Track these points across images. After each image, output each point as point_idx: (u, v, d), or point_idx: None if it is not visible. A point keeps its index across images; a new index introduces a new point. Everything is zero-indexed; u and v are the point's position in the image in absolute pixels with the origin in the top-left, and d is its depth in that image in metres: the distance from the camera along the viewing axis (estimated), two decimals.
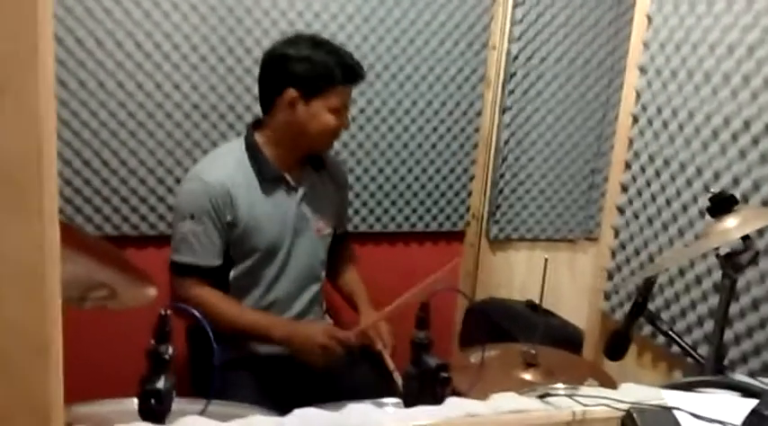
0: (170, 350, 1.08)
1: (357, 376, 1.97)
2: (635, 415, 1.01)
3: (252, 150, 1.91)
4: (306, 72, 1.84)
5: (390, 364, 1.84)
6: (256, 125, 1.96)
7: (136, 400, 1.08)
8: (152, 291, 1.25)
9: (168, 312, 1.09)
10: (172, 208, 2.35)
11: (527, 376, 1.71)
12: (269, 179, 1.91)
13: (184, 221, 1.86)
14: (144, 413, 1.06)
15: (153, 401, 1.05)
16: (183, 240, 1.87)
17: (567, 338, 2.40)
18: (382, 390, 1.86)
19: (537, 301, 2.11)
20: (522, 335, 2.27)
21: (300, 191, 1.97)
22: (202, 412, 1.08)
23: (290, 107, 1.86)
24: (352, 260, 2.24)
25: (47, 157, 0.65)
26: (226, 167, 1.89)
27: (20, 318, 0.66)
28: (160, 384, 1.06)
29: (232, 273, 1.93)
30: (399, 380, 1.79)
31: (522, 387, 1.16)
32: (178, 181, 2.34)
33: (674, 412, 1.02)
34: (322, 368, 1.82)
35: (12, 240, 0.64)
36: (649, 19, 1.99)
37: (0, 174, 0.63)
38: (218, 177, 1.86)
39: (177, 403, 1.11)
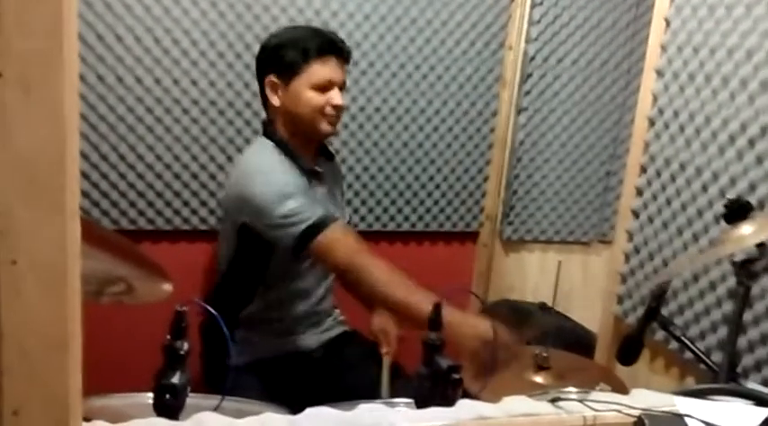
0: (186, 346, 1.09)
1: (368, 375, 1.98)
2: (646, 421, 1.01)
3: (283, 148, 1.88)
4: (280, 54, 1.83)
5: (385, 375, 1.84)
6: (269, 124, 1.95)
7: (150, 395, 1.09)
8: (168, 286, 1.26)
9: (184, 308, 1.10)
10: (187, 204, 2.37)
11: (538, 378, 1.71)
12: (305, 172, 1.90)
13: (286, 202, 1.74)
14: (159, 408, 1.07)
15: (168, 396, 1.06)
16: (299, 211, 1.73)
17: (579, 341, 2.40)
18: (392, 390, 1.88)
19: (549, 303, 2.11)
20: (534, 337, 2.27)
21: (326, 183, 1.98)
22: (216, 409, 1.09)
23: (275, 94, 1.86)
24: None
25: (70, 156, 0.66)
26: (275, 165, 1.84)
27: (41, 314, 0.67)
28: (175, 379, 1.07)
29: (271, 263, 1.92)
30: (386, 394, 1.80)
31: (534, 390, 1.16)
32: (194, 176, 2.36)
33: (686, 419, 1.02)
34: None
35: (34, 237, 0.65)
36: (667, 22, 1.98)
37: (24, 172, 0.64)
38: (283, 169, 1.83)
39: (191, 399, 1.11)
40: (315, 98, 1.83)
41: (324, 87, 1.83)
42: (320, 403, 1.06)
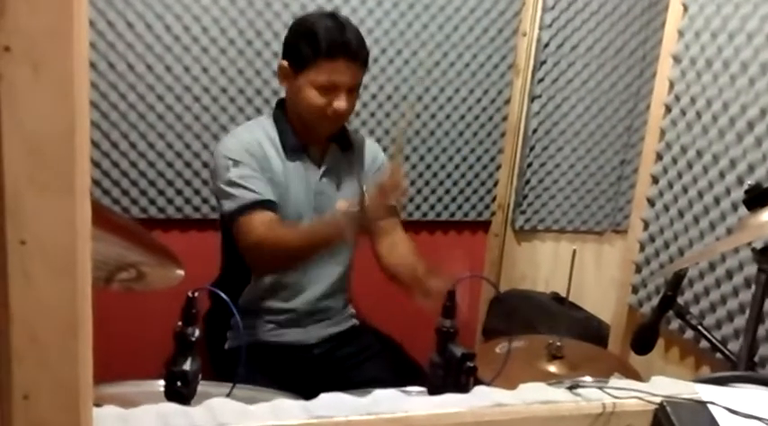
0: (197, 333, 1.08)
1: (376, 367, 1.96)
2: (668, 409, 0.98)
3: (278, 120, 1.90)
4: (296, 43, 1.79)
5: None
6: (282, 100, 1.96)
7: (161, 381, 1.08)
8: (180, 272, 1.25)
9: (196, 294, 1.08)
10: (198, 192, 2.37)
11: (552, 368, 1.69)
12: (291, 149, 1.88)
13: (228, 171, 1.80)
14: (170, 395, 1.06)
15: (179, 382, 1.05)
16: (234, 185, 1.79)
17: (592, 331, 2.38)
18: (402, 381, 1.87)
19: (562, 293, 2.09)
20: (547, 327, 2.25)
21: (323, 167, 1.94)
22: (228, 395, 1.08)
23: (285, 80, 1.84)
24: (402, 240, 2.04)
25: (80, 135, 0.64)
26: (254, 134, 1.88)
27: (50, 296, 0.66)
28: (186, 365, 1.06)
29: None
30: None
31: (547, 379, 1.14)
32: (205, 165, 2.34)
33: (709, 406, 1.00)
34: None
35: (44, 218, 0.64)
36: (685, 7, 1.95)
37: (34, 152, 0.63)
38: (251, 138, 1.86)
39: (202, 386, 1.10)
40: (316, 98, 1.78)
41: (327, 89, 1.77)
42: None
